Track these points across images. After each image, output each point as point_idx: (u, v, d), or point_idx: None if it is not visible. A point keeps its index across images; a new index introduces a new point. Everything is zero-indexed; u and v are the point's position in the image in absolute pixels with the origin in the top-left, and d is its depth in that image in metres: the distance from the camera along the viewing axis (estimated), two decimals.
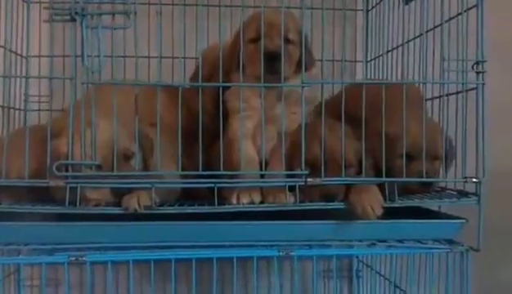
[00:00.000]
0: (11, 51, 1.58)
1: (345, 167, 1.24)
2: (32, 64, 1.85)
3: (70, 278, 1.33)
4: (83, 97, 1.21)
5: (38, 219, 1.21)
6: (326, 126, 1.25)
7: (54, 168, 1.12)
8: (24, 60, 1.84)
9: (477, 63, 1.25)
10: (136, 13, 1.16)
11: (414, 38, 1.48)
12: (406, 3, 1.50)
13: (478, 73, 1.25)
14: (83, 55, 1.14)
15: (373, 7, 1.93)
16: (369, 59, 1.97)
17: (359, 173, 1.27)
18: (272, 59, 1.23)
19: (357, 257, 1.91)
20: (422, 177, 1.25)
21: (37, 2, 1.81)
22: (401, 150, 1.27)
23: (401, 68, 1.32)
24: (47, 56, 1.89)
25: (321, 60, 1.27)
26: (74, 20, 1.15)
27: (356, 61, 2.04)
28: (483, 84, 1.25)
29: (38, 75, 1.87)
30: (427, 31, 1.33)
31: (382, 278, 1.75)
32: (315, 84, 1.28)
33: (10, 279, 1.73)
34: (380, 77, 1.78)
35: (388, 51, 1.70)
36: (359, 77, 2.02)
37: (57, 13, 1.15)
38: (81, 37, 1.15)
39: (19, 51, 1.76)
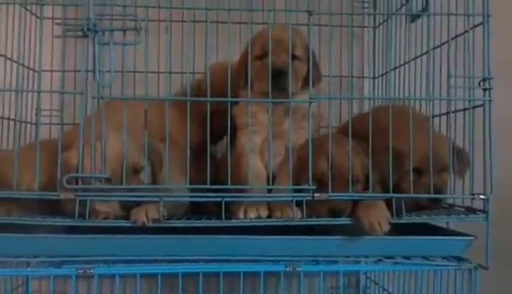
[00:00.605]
0: (23, 65, 1.62)
1: (352, 182, 1.25)
2: (43, 78, 1.92)
3: (78, 291, 1.34)
4: (94, 111, 1.23)
5: (47, 231, 1.22)
6: (333, 141, 1.26)
7: (64, 181, 1.13)
8: (35, 75, 1.89)
9: (483, 80, 1.26)
10: (146, 29, 1.19)
11: (420, 55, 1.49)
12: (412, 21, 1.52)
13: (484, 89, 1.26)
14: (94, 71, 1.16)
15: (380, 24, 1.95)
16: (376, 75, 1.98)
17: (366, 189, 1.27)
18: (279, 75, 1.25)
19: (365, 274, 1.90)
20: (430, 191, 1.25)
21: (49, 18, 1.87)
22: (408, 165, 1.27)
23: (408, 85, 1.33)
24: (59, 71, 1.93)
25: (329, 76, 1.29)
26: (86, 36, 1.17)
27: (363, 77, 2.06)
28: (490, 101, 1.26)
29: (50, 89, 1.91)
30: (434, 48, 1.34)
31: None
32: (322, 100, 1.29)
33: (18, 292, 1.74)
34: (387, 94, 1.79)
35: (394, 68, 1.72)
36: (366, 93, 2.03)
37: (70, 29, 1.17)
38: (93, 52, 1.17)
39: (31, 66, 1.80)
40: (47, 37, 1.83)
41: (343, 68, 1.86)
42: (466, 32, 1.31)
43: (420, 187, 1.28)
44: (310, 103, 1.24)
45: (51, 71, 1.93)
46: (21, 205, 1.23)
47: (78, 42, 1.40)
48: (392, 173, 1.23)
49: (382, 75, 1.91)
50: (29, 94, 1.82)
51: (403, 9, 1.65)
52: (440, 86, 1.35)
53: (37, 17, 1.86)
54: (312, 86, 1.29)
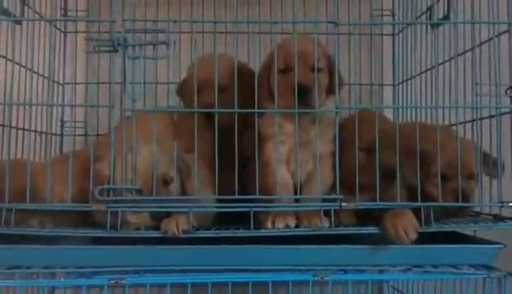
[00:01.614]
0: (51, 79, 1.65)
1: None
2: (66, 90, 1.96)
3: None
4: (124, 123, 1.25)
5: (78, 242, 1.25)
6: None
7: (96, 193, 1.16)
8: (59, 87, 1.93)
9: (510, 87, 1.26)
10: (175, 43, 1.21)
11: (444, 62, 1.49)
12: (433, 28, 1.52)
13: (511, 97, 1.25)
14: (124, 84, 1.18)
15: (400, 31, 1.95)
16: (397, 83, 1.98)
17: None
18: (304, 91, 1.26)
19: (388, 282, 1.89)
20: (458, 197, 1.25)
21: (73, 32, 1.91)
22: (435, 169, 1.27)
23: (432, 92, 1.33)
24: (83, 83, 1.97)
25: (349, 84, 1.31)
26: (116, 50, 1.19)
27: (383, 85, 2.06)
28: None
29: (74, 102, 1.95)
30: (458, 55, 1.34)
31: None
32: (348, 109, 1.30)
33: None
34: (409, 102, 1.78)
35: (417, 75, 1.71)
36: (387, 101, 2.03)
37: (100, 44, 1.20)
38: (123, 66, 1.19)
39: (55, 79, 1.84)
40: (71, 51, 1.89)
41: (363, 76, 1.87)
42: (491, 39, 1.31)
43: (447, 193, 1.27)
44: (337, 113, 1.24)
45: (75, 83, 1.97)
46: (54, 216, 1.25)
47: (102, 55, 1.43)
48: (418, 177, 1.23)
49: (403, 82, 1.91)
50: (55, 106, 1.85)
51: (423, 16, 1.65)
52: (464, 94, 1.35)
53: (61, 31, 1.91)
54: (334, 94, 1.32)
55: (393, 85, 1.99)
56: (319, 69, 1.31)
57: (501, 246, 1.26)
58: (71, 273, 1.19)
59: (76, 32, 1.91)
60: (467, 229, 1.31)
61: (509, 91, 1.25)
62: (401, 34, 1.93)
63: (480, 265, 1.26)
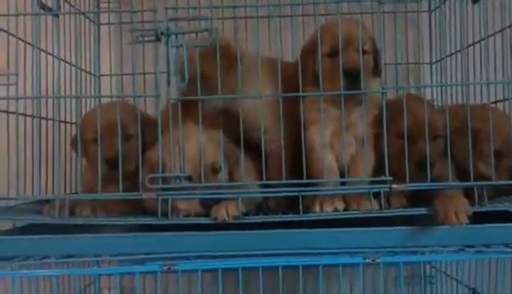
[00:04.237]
0: (81, 69, 1.67)
1: (435, 137, 1.27)
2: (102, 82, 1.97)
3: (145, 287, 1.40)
4: (172, 113, 1.25)
5: (128, 230, 1.27)
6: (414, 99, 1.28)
7: (147, 181, 1.17)
8: (95, 79, 1.95)
9: None
10: (217, 30, 1.20)
11: (479, 41, 1.44)
12: (474, 2, 1.47)
13: None
14: (169, 73, 1.19)
15: (436, 8, 1.90)
16: (434, 61, 1.93)
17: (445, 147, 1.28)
18: (352, 75, 1.25)
19: (430, 263, 1.87)
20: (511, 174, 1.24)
21: (106, 24, 1.92)
22: (487, 147, 1.26)
23: (483, 67, 1.30)
24: (119, 75, 1.98)
25: (384, 64, 1.28)
26: (158, 39, 1.20)
27: (420, 63, 2.02)
28: None
29: (110, 93, 1.96)
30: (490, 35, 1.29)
31: (458, 284, 1.71)
32: (394, 89, 1.28)
33: (89, 290, 1.81)
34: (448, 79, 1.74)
35: (456, 52, 1.67)
36: (424, 79, 2.00)
37: (143, 34, 1.20)
38: (166, 56, 1.20)
39: (89, 70, 1.85)
40: (104, 42, 1.91)
41: (399, 54, 1.84)
42: None
43: (501, 171, 1.26)
44: (383, 93, 1.23)
45: (110, 75, 1.99)
46: (104, 204, 1.27)
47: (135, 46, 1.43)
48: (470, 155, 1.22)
49: (439, 60, 1.86)
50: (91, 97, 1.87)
51: None
52: (495, 72, 1.31)
53: (94, 22, 1.92)
54: (379, 76, 1.30)
55: (430, 63, 1.95)
56: (365, 52, 1.30)
57: None
58: (125, 260, 1.22)
59: (109, 23, 1.92)
60: None
61: None
62: (437, 11, 1.88)
63: None
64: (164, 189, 1.20)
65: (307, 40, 1.36)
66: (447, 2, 1.74)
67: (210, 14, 1.22)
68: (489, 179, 1.24)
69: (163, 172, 1.20)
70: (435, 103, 1.85)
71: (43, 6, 1.42)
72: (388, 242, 1.23)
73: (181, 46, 1.20)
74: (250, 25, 1.49)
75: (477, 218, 1.22)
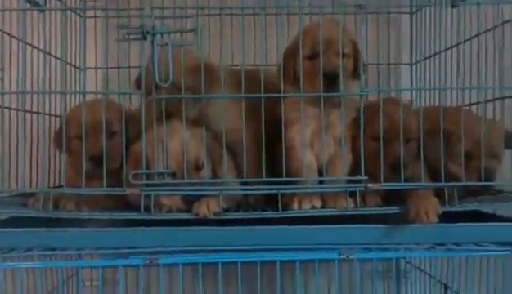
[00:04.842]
0: (67, 63, 1.68)
1: (409, 140, 1.32)
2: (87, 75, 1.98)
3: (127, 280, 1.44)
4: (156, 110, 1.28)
5: (107, 224, 1.30)
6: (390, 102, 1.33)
7: (130, 177, 1.20)
8: (81, 72, 1.95)
9: None
10: (201, 30, 1.23)
11: (464, 41, 1.49)
12: (453, 6, 1.52)
13: None
14: (154, 72, 1.21)
15: (417, 10, 1.94)
16: (414, 61, 1.98)
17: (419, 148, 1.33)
18: (331, 78, 1.28)
19: (405, 259, 1.93)
20: (481, 175, 1.29)
21: (92, 17, 1.93)
22: (459, 148, 1.31)
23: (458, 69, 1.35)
24: (105, 68, 1.98)
25: (366, 64, 1.33)
26: (144, 38, 1.22)
27: (401, 64, 2.07)
28: None
29: (96, 88, 1.97)
30: (465, 40, 1.34)
31: (431, 279, 1.78)
32: (373, 92, 1.33)
33: (71, 281, 1.83)
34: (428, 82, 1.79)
35: (435, 54, 1.71)
36: (404, 80, 2.05)
37: (129, 32, 1.22)
38: (151, 55, 1.22)
39: (74, 63, 1.86)
40: (90, 36, 1.91)
41: (381, 54, 1.88)
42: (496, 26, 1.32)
43: (470, 172, 1.32)
44: (361, 96, 1.27)
45: (96, 69, 1.99)
46: (88, 199, 1.30)
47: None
48: (442, 156, 1.27)
49: (419, 61, 1.91)
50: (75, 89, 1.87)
51: None
52: (470, 76, 1.36)
53: (79, 16, 1.93)
54: (358, 79, 1.34)
55: (411, 64, 2.00)
56: (345, 55, 1.33)
57: None
58: (108, 254, 1.24)
59: (95, 16, 1.93)
60: (488, 209, 1.34)
61: None
62: (419, 12, 1.93)
63: (502, 243, 1.29)
64: (148, 185, 1.23)
65: (290, 42, 1.39)
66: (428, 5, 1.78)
67: (196, 13, 1.24)
68: (460, 179, 1.29)
69: (147, 168, 1.23)
70: (414, 103, 1.92)
71: (29, 1, 1.43)
72: (363, 239, 1.28)
73: (167, 44, 1.22)
74: (236, 22, 1.51)
75: (448, 217, 1.27)
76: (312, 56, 1.32)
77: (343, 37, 1.31)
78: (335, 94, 1.29)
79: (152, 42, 1.22)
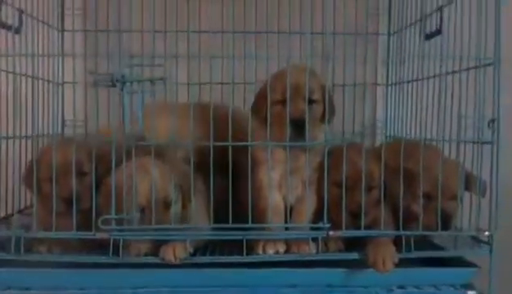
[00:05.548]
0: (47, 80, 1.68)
1: (371, 187, 1.36)
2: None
3: None
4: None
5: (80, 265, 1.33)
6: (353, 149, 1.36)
7: (100, 222, 1.24)
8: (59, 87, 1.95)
9: (492, 120, 1.31)
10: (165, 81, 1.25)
11: (433, 77, 1.50)
12: (427, 38, 1.54)
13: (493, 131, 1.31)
14: (124, 120, 1.24)
15: (395, 32, 1.96)
16: (390, 83, 2.00)
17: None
18: (298, 124, 1.30)
19: None
20: (439, 216, 1.34)
21: (70, 31, 1.92)
22: (419, 190, 1.35)
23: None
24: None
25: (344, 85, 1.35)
26: (114, 86, 1.24)
27: (377, 84, 2.10)
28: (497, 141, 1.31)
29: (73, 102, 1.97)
30: (446, 73, 1.37)
31: None
32: (337, 142, 1.36)
33: None
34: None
35: (408, 82, 1.74)
36: (380, 100, 2.08)
37: (99, 79, 1.24)
38: (121, 102, 1.24)
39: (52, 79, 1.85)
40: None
41: (357, 74, 1.90)
42: (477, 67, 1.35)
43: (430, 212, 1.35)
44: (326, 146, 1.31)
45: (73, 83, 1.99)
46: (61, 240, 1.33)
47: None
48: (403, 194, 1.33)
49: (395, 84, 1.93)
50: (55, 105, 1.88)
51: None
52: (451, 114, 1.39)
53: (58, 30, 1.92)
54: (328, 124, 1.37)
55: (386, 85, 2.02)
56: (314, 101, 1.35)
57: (477, 269, 1.36)
58: None
59: (73, 30, 1.92)
60: (446, 255, 1.39)
61: (491, 125, 1.31)
62: (396, 35, 1.94)
63: (459, 285, 1.35)
64: (117, 230, 1.26)
65: (262, 85, 1.41)
66: (406, 31, 1.80)
67: (164, 61, 1.26)
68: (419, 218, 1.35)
69: (117, 205, 1.26)
70: (388, 131, 1.96)
71: (3, 25, 1.44)
72: (325, 281, 1.34)
73: (136, 92, 1.24)
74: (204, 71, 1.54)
75: (410, 260, 1.33)
76: (281, 101, 1.34)
77: (312, 82, 1.33)
78: (300, 144, 1.32)
79: (122, 90, 1.24)
